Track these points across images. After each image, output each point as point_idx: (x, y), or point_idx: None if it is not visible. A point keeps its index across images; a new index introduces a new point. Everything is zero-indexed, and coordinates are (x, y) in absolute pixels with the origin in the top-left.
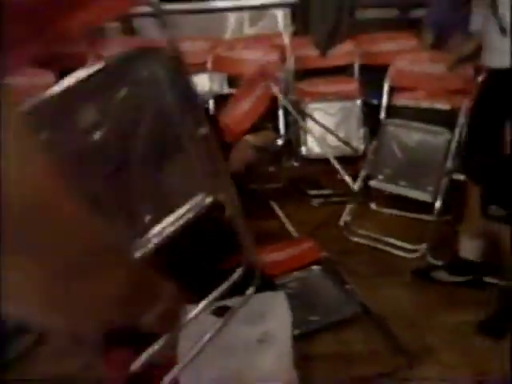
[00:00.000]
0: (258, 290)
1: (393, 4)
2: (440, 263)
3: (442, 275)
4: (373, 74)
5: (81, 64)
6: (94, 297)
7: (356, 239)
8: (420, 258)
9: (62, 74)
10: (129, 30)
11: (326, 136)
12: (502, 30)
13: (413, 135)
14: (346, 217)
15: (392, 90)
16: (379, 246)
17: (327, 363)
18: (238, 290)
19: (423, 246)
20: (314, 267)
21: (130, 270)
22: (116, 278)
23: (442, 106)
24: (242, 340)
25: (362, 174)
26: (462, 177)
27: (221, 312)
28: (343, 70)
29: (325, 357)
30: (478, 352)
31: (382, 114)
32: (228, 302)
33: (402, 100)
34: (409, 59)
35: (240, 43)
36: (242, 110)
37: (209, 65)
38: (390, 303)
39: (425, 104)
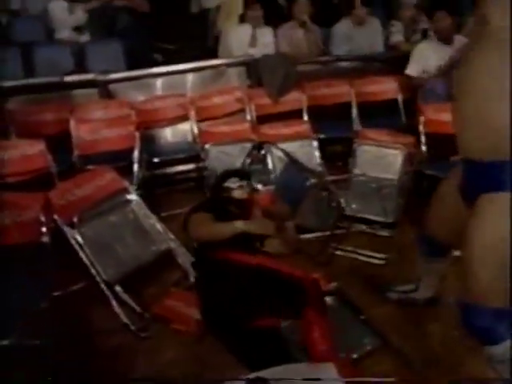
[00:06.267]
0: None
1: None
2: None
3: None
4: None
5: (64, 129)
6: None
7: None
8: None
9: (49, 140)
10: (105, 93)
11: None
12: None
13: None
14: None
15: None
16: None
17: None
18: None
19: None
20: (327, 299)
21: None
22: None
23: None
24: None
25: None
26: None
27: None
28: (292, 114)
29: None
30: None
31: None
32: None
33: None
34: None
35: (213, 95)
36: None
37: (192, 115)
38: (387, 322)
39: None
